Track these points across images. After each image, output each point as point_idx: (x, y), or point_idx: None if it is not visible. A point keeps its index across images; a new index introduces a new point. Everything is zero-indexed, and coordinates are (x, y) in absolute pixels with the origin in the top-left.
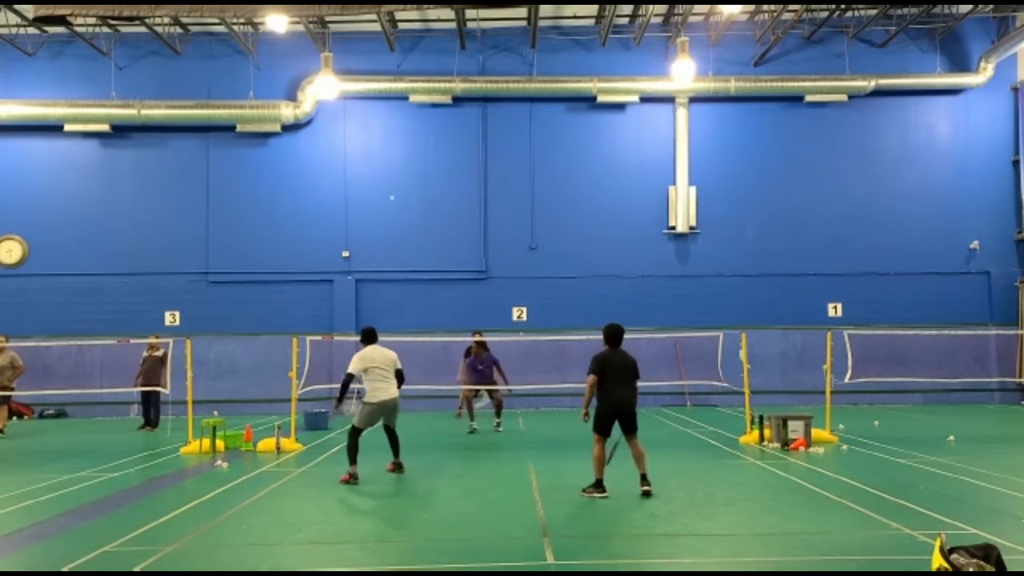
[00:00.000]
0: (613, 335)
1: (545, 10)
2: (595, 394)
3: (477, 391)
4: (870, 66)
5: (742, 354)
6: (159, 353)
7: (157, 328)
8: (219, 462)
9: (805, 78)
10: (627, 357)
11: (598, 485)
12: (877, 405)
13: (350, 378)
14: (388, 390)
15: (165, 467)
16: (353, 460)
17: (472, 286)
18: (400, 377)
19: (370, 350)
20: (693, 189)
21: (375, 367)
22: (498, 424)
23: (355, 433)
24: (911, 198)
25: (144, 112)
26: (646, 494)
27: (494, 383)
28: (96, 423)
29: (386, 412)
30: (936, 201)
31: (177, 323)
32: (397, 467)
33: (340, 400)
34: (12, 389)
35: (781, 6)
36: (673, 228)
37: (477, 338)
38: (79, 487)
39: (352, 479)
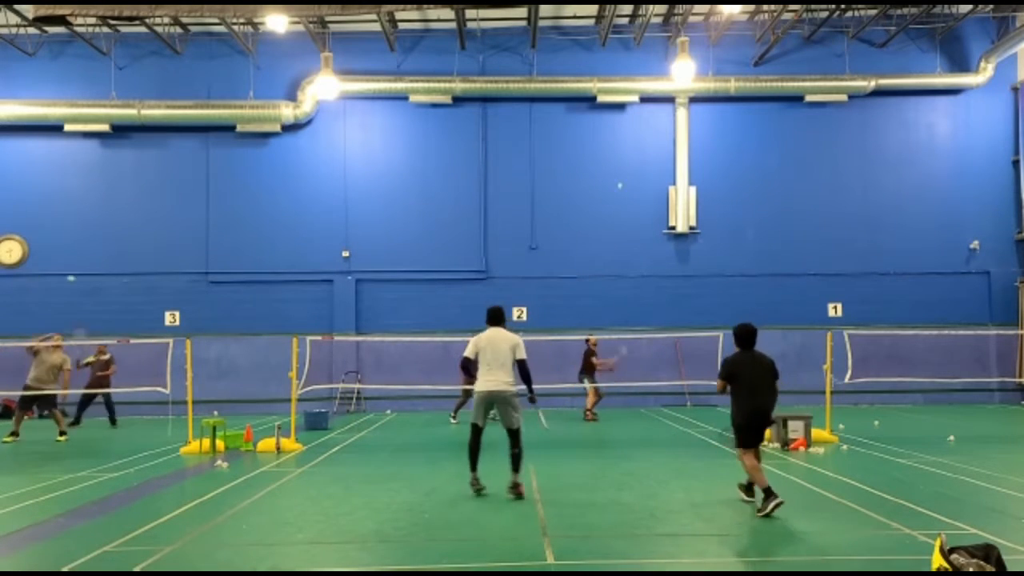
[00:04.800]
0: (741, 335)
1: (545, 10)
2: (731, 403)
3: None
4: (870, 66)
5: None
6: (105, 357)
7: (158, 328)
8: (219, 462)
9: (805, 78)
10: (763, 358)
11: (769, 494)
12: (877, 405)
13: (466, 361)
14: (494, 380)
15: (165, 467)
16: (471, 465)
17: (472, 286)
18: (522, 369)
19: (487, 332)
20: (693, 189)
21: (485, 351)
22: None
23: (472, 432)
24: (911, 198)
25: (144, 112)
26: (748, 502)
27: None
28: (96, 423)
29: (492, 405)
30: (936, 201)
31: (177, 323)
32: (512, 488)
33: (474, 379)
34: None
35: (781, 6)
36: (673, 228)
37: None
38: (79, 487)
39: (472, 487)
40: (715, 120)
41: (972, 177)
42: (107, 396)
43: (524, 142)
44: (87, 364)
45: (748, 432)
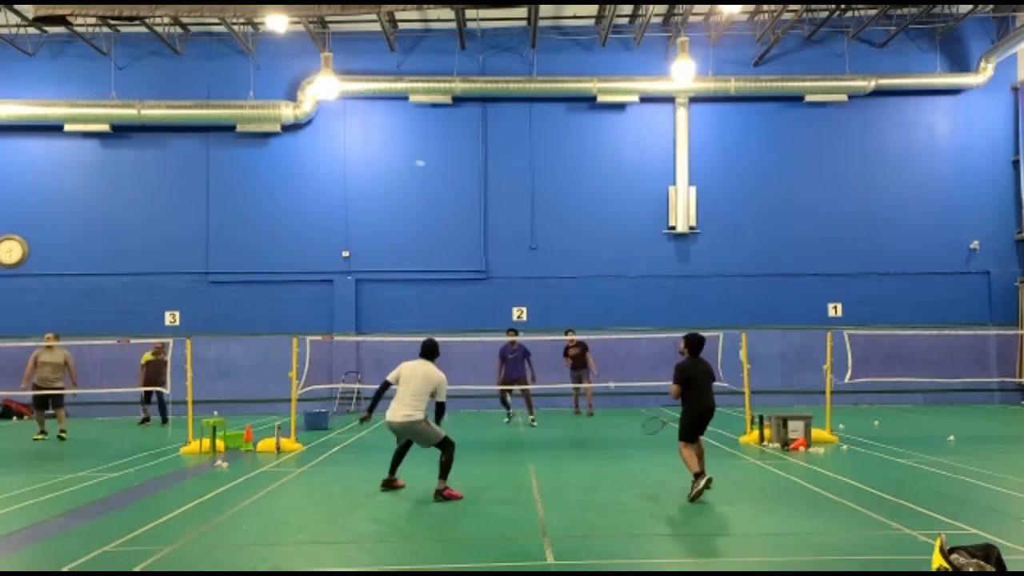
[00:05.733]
0: (693, 344)
1: (545, 10)
2: (682, 404)
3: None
4: (870, 66)
5: (742, 354)
6: (164, 357)
7: (157, 328)
8: (219, 462)
9: (805, 78)
10: (706, 364)
11: (699, 477)
12: (877, 405)
13: (383, 384)
14: (399, 412)
15: (165, 467)
16: (390, 467)
17: (472, 286)
18: (438, 408)
19: (413, 363)
20: (693, 189)
21: (401, 381)
22: (532, 420)
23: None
24: (911, 198)
25: (144, 112)
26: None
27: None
28: (96, 423)
29: (399, 433)
30: (936, 201)
31: (177, 323)
32: (436, 495)
33: (371, 408)
34: (61, 388)
35: (781, 6)
36: (673, 228)
37: (512, 336)
38: (79, 487)
39: (383, 484)
40: (715, 120)
41: (972, 177)
42: (160, 395)
43: (524, 142)
44: (146, 364)
45: (693, 428)
